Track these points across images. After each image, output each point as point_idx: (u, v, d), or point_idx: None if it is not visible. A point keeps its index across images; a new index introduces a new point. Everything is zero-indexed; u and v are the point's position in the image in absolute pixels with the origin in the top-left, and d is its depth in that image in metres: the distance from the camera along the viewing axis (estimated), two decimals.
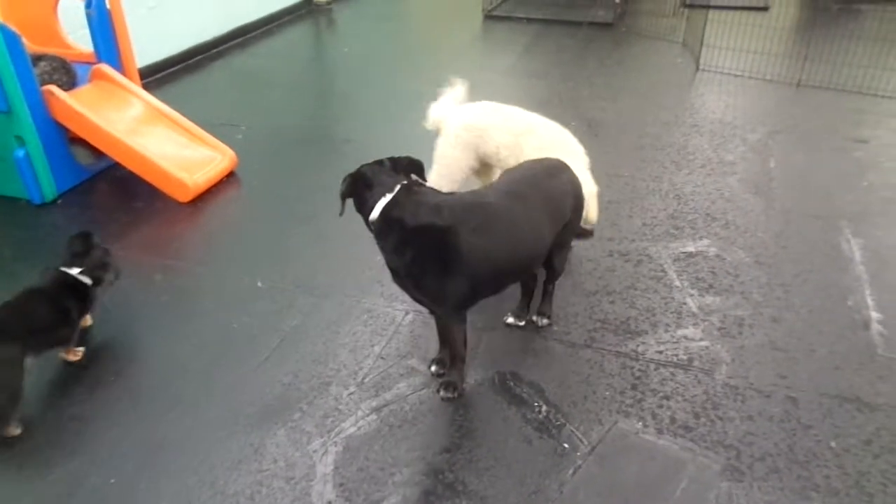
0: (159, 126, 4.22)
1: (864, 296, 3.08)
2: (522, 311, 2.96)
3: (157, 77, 5.84)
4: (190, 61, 6.27)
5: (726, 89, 5.51)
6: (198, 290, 3.33)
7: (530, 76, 5.96)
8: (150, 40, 5.50)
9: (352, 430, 2.48)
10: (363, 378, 2.70)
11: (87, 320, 2.99)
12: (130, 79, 4.33)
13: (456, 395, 2.58)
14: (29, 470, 2.37)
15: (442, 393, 2.59)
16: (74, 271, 2.75)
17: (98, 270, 2.83)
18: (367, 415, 2.54)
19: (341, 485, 2.27)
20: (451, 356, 2.59)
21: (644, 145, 4.62)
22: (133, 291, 3.29)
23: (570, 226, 2.72)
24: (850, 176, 4.14)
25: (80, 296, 2.77)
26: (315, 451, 2.39)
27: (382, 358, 2.80)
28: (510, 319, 2.96)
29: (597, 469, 2.30)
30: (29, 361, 2.50)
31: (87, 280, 2.78)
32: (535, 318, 2.95)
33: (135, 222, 3.87)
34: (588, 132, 4.81)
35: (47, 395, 2.69)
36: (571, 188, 2.69)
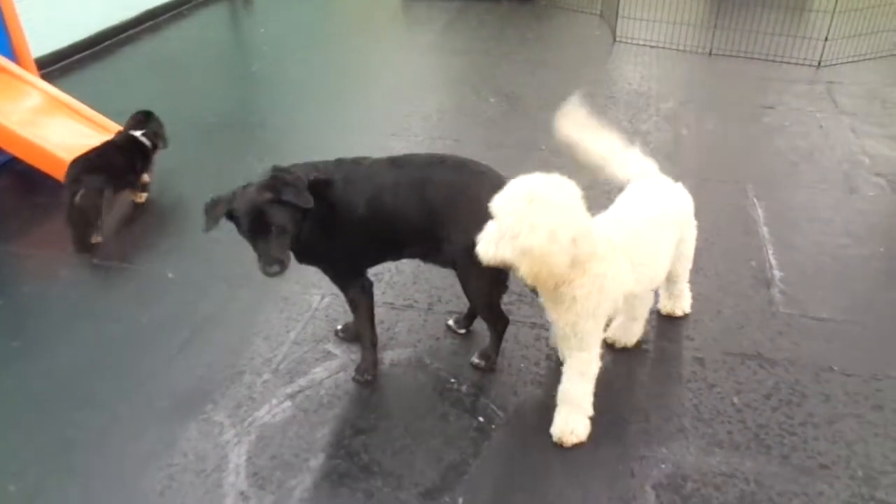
0: (60, 116, 4.02)
1: (768, 256, 3.20)
2: (463, 320, 2.82)
3: (61, 65, 5.57)
4: (97, 48, 6.00)
5: (642, 60, 5.61)
6: (106, 284, 3.21)
7: (451, 53, 5.94)
8: (48, 26, 5.24)
9: (266, 418, 2.44)
10: (278, 365, 2.66)
11: (146, 178, 3.79)
12: (25, 68, 4.11)
13: (365, 378, 2.57)
14: None
15: (354, 376, 2.57)
16: (138, 133, 3.66)
17: (155, 138, 3.74)
18: (282, 402, 2.50)
19: (254, 474, 2.23)
20: (357, 336, 2.58)
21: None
22: (38, 290, 3.15)
23: (449, 240, 2.29)
24: (758, 141, 4.28)
25: (142, 154, 3.68)
26: (227, 442, 2.35)
27: (297, 343, 2.76)
28: (450, 322, 2.83)
29: (512, 440, 2.33)
30: (107, 193, 3.39)
31: (147, 142, 3.69)
32: (474, 359, 2.63)
33: (37, 218, 3.70)
34: (507, 107, 4.83)
35: None
36: (458, 196, 2.26)
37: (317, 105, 4.94)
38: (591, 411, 2.28)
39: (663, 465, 2.20)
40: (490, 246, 1.96)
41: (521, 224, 1.87)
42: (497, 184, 2.04)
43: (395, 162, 2.38)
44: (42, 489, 2.22)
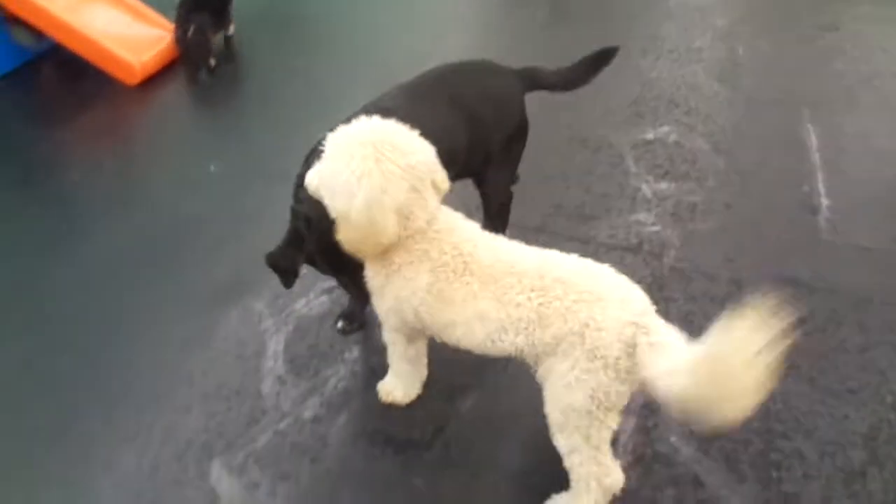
0: (101, 4, 3.98)
1: (818, 182, 3.11)
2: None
3: None
4: None
5: None
6: (148, 175, 3.26)
7: None
8: None
9: (304, 310, 2.50)
10: None
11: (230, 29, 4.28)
12: None
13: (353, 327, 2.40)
14: None
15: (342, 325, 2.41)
16: None
17: None
18: (319, 296, 2.56)
19: (291, 361, 2.31)
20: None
21: (613, 29, 4.48)
22: (82, 178, 3.22)
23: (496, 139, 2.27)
24: (816, 63, 4.08)
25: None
26: (266, 330, 2.43)
27: None
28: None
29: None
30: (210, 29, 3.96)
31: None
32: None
33: (82, 106, 3.74)
34: (558, 16, 4.66)
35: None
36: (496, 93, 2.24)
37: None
38: (415, 379, 2.15)
39: None
40: (314, 177, 1.70)
41: (343, 183, 1.61)
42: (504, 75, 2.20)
43: (413, 93, 2.16)
44: (90, 364, 2.34)
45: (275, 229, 2.85)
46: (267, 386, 2.24)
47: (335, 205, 1.65)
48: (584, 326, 1.54)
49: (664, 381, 1.46)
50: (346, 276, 2.12)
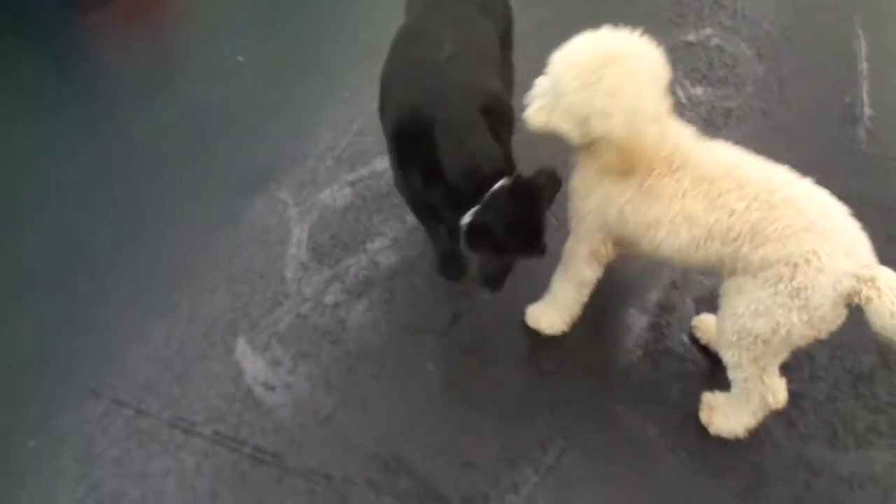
0: None
1: (862, 92, 2.98)
2: None
3: None
4: None
5: None
6: (180, 61, 3.26)
7: None
8: None
9: (327, 201, 2.53)
10: (341, 153, 2.71)
11: None
12: None
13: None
14: None
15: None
16: None
17: None
18: (343, 188, 2.58)
19: (314, 249, 2.36)
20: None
21: None
22: (114, 63, 3.22)
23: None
24: None
25: None
26: (290, 218, 2.47)
27: (361, 134, 2.78)
28: None
29: None
30: None
31: None
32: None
33: None
34: None
35: None
36: None
37: None
38: (568, 311, 2.04)
39: (704, 282, 2.22)
40: (541, 114, 1.62)
41: (591, 106, 1.52)
42: None
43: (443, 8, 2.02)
44: (121, 243, 2.42)
45: (300, 121, 2.87)
46: (290, 271, 2.30)
47: (593, 128, 1.55)
48: (804, 261, 1.44)
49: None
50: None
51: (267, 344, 2.11)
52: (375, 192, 2.56)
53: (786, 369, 1.95)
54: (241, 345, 2.11)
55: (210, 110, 2.92)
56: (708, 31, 3.33)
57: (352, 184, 2.59)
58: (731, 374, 1.71)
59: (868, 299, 1.39)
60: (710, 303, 2.14)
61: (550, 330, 2.06)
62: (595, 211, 1.74)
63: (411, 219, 2.45)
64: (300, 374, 2.04)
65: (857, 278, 1.41)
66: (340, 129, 2.81)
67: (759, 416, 1.76)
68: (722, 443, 1.82)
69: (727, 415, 1.79)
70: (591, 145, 1.62)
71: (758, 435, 1.82)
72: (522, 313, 2.11)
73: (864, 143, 2.75)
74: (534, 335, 2.09)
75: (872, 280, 1.40)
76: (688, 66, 3.12)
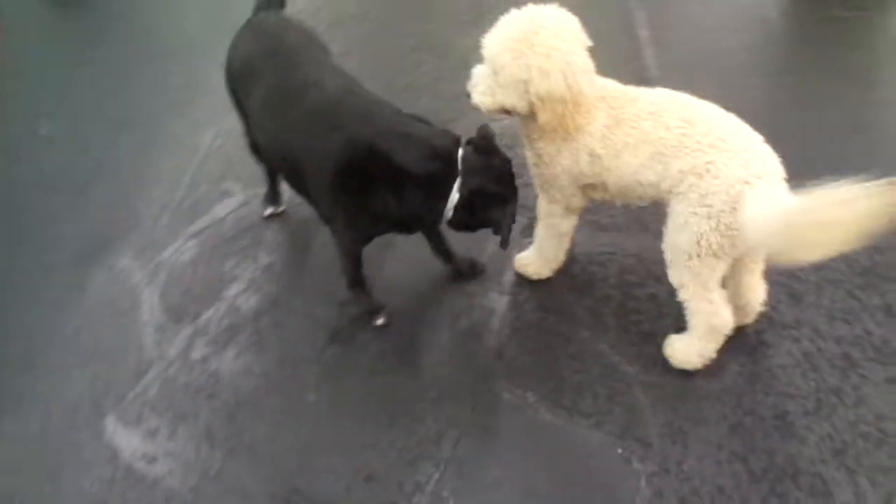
0: None
1: (646, 57, 3.31)
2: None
3: None
4: None
5: None
6: None
7: None
8: None
9: (173, 258, 2.46)
10: (177, 208, 2.65)
11: None
12: None
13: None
14: None
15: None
16: None
17: None
18: (187, 241, 2.52)
19: (169, 309, 2.29)
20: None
21: None
22: None
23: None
24: None
25: None
26: (137, 284, 2.38)
27: (194, 185, 2.74)
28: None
29: (407, 251, 2.46)
30: None
31: None
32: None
33: None
34: None
35: None
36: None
37: None
38: (555, 260, 2.25)
39: None
40: (486, 96, 1.84)
41: (529, 70, 1.73)
42: None
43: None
44: None
45: (125, 182, 2.76)
46: (148, 337, 2.22)
47: (536, 90, 1.74)
48: (706, 170, 1.69)
49: (756, 225, 1.62)
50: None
51: (139, 416, 2.02)
52: (221, 238, 2.52)
53: (637, 312, 2.15)
54: (111, 423, 2.01)
55: (24, 190, 2.75)
56: None
57: (195, 235, 2.53)
58: (680, 298, 1.92)
59: (746, 198, 1.64)
60: (561, 271, 2.32)
61: (537, 276, 2.28)
62: (566, 167, 1.93)
63: (264, 257, 2.44)
64: (181, 437, 1.97)
65: (748, 185, 1.65)
66: (172, 184, 2.74)
67: (711, 343, 1.95)
68: (593, 396, 1.97)
69: (685, 346, 1.99)
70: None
71: (620, 376, 1.99)
72: (391, 322, 2.18)
73: None
74: (411, 334, 2.15)
75: (756, 187, 1.65)
76: None
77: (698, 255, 1.78)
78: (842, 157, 2.70)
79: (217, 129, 2.94)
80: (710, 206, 1.70)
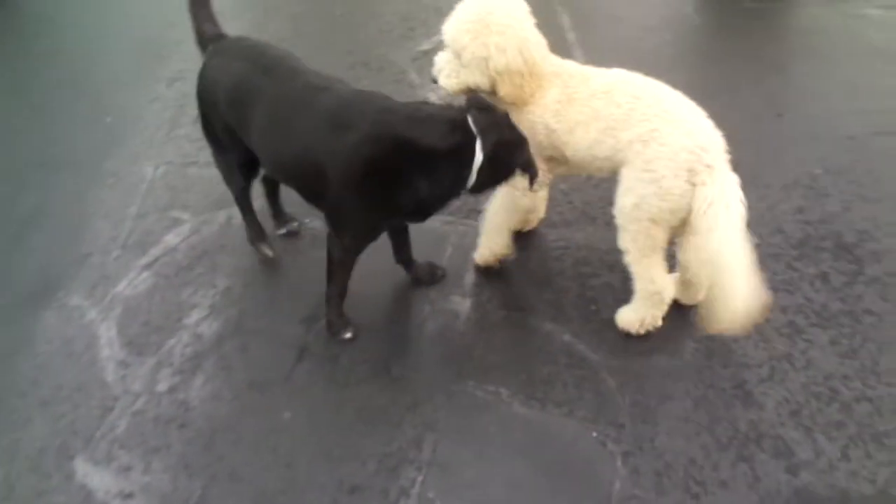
0: None
1: (577, 57, 3.42)
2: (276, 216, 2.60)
3: None
4: None
5: None
6: None
7: None
8: None
9: (127, 291, 2.42)
10: (125, 240, 2.59)
11: None
12: None
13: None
14: None
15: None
16: None
17: None
18: (140, 273, 2.47)
19: (129, 342, 2.25)
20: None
21: None
22: None
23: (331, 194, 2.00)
24: None
25: None
26: (92, 321, 2.32)
27: (141, 216, 2.69)
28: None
29: (371, 262, 2.48)
30: None
31: None
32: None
33: None
34: None
35: None
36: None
37: None
38: (498, 240, 2.32)
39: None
40: (451, 78, 2.00)
41: (487, 48, 1.89)
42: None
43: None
44: None
45: (69, 221, 2.69)
46: (110, 373, 2.17)
47: (495, 65, 1.90)
48: (651, 137, 1.83)
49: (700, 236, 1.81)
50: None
51: (109, 454, 1.97)
52: (176, 267, 2.49)
53: (595, 302, 2.23)
54: (81, 465, 1.95)
55: None
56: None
57: (148, 267, 2.49)
58: (625, 261, 2.06)
59: (702, 182, 1.79)
60: (520, 265, 2.39)
61: (480, 259, 2.37)
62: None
63: (222, 282, 2.42)
64: (156, 470, 1.93)
65: (697, 158, 1.80)
66: (117, 217, 2.69)
67: (654, 309, 2.10)
68: (563, 385, 2.04)
69: (631, 311, 2.14)
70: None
71: (586, 364, 2.07)
72: (359, 334, 2.19)
73: None
74: (379, 343, 2.18)
75: (710, 169, 1.80)
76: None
77: (638, 220, 1.93)
78: (763, 138, 2.88)
79: (157, 161, 2.90)
80: (653, 171, 1.85)
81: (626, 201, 1.94)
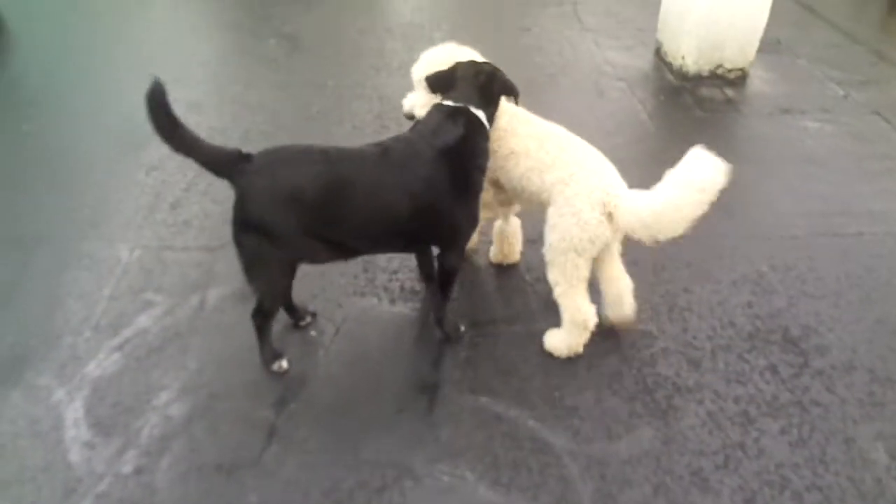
0: None
1: None
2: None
3: None
4: None
5: None
6: None
7: None
8: None
9: (97, 372, 2.42)
10: (98, 321, 2.62)
11: None
12: None
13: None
14: None
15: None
16: None
17: None
18: (110, 354, 2.49)
19: (96, 423, 2.24)
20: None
21: (344, 53, 4.80)
22: None
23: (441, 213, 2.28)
24: (520, 59, 4.74)
25: None
26: (59, 402, 2.31)
27: (114, 298, 2.72)
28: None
29: (344, 344, 2.55)
30: None
31: None
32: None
33: None
34: (290, 48, 4.85)
35: None
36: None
37: (82, 64, 4.60)
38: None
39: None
40: (424, 108, 2.32)
41: None
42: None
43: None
44: None
45: (41, 300, 2.71)
46: (75, 454, 2.15)
47: None
48: (571, 179, 2.21)
49: (629, 221, 2.14)
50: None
51: None
52: (146, 349, 2.51)
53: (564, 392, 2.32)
54: None
55: None
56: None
57: (119, 348, 2.51)
58: (554, 296, 2.36)
59: (616, 207, 2.17)
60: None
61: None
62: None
63: (193, 363, 2.45)
64: None
65: (607, 193, 2.17)
66: (91, 298, 2.72)
67: (577, 337, 2.40)
68: (528, 470, 2.09)
69: (558, 337, 2.44)
70: None
71: (550, 449, 2.13)
72: (336, 417, 2.23)
73: None
74: (348, 425, 2.21)
75: (618, 198, 2.17)
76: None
77: (564, 252, 2.24)
78: (713, 237, 3.07)
79: (133, 244, 2.96)
80: (573, 205, 2.20)
81: (553, 237, 2.27)
